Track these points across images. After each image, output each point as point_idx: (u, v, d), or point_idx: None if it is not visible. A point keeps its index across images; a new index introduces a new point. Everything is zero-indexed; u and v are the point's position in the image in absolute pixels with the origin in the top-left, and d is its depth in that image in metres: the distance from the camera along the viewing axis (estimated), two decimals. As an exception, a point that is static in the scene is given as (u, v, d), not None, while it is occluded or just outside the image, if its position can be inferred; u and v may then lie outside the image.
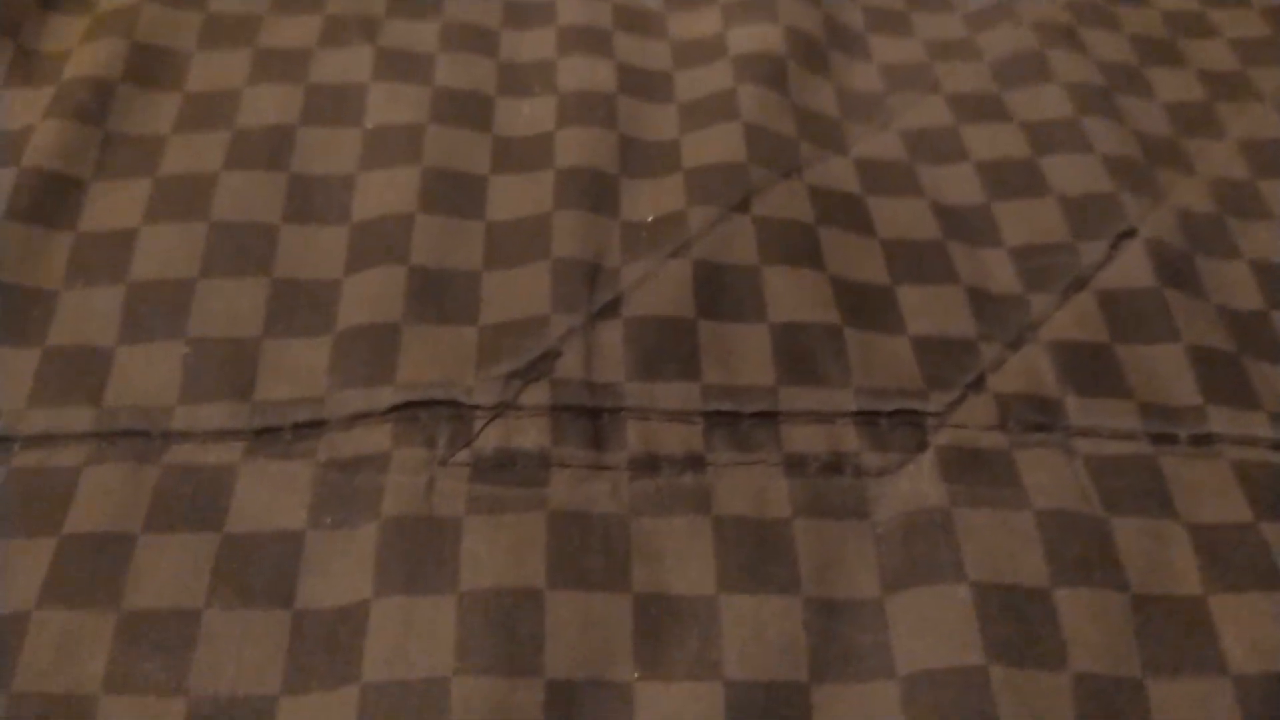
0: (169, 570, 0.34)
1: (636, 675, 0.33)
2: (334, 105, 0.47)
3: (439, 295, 0.41)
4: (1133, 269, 0.44)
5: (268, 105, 0.47)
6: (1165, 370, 0.41)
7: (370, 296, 0.40)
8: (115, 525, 0.35)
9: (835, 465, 0.38)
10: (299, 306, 0.41)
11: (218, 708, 0.32)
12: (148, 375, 0.39)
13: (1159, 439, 0.39)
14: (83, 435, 0.37)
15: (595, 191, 0.44)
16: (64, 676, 0.32)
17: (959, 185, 0.47)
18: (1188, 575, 0.35)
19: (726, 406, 0.38)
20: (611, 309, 0.40)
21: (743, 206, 0.44)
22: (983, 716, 0.32)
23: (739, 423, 0.38)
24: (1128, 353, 0.41)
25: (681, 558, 0.35)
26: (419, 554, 0.34)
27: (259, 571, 0.34)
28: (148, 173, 0.44)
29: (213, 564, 0.34)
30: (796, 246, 0.43)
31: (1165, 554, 0.36)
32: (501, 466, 0.37)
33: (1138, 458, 0.38)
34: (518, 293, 0.41)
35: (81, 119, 0.45)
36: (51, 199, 0.43)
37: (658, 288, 0.41)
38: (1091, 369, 0.41)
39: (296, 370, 0.39)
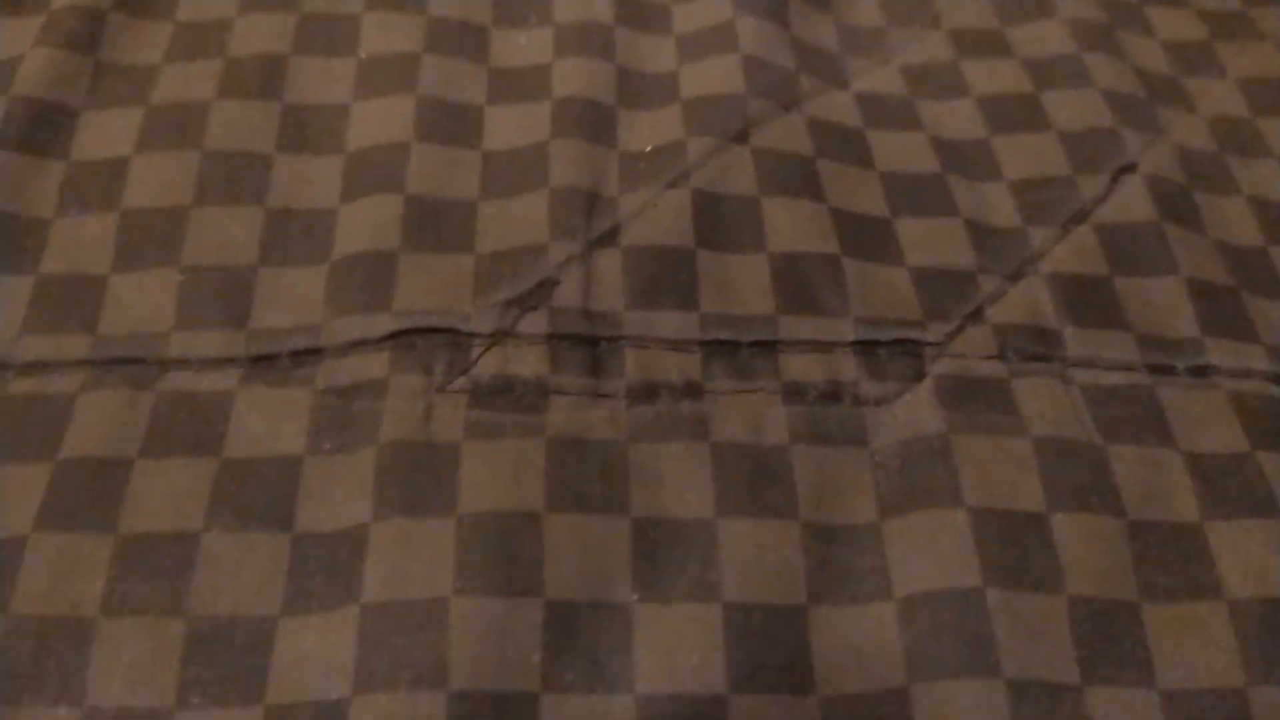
0: (167, 494, 0.34)
1: (636, 597, 0.33)
2: (327, 34, 0.47)
3: (436, 224, 0.40)
4: (1132, 203, 0.44)
5: (260, 34, 0.46)
6: (1164, 303, 0.41)
7: (366, 225, 0.40)
8: (112, 450, 0.35)
9: (833, 394, 0.37)
10: (294, 235, 0.40)
11: (217, 628, 0.32)
12: (142, 303, 0.38)
13: (1156, 370, 0.39)
14: (78, 362, 0.37)
15: (592, 121, 0.44)
16: (61, 599, 0.32)
17: (959, 120, 0.47)
18: (1184, 502, 0.35)
19: (725, 335, 0.38)
20: (610, 238, 0.40)
21: (741, 138, 0.43)
22: (979, 637, 0.32)
23: (738, 351, 0.38)
24: (1127, 285, 0.41)
25: (680, 483, 0.35)
26: (417, 478, 0.34)
27: (258, 495, 0.34)
28: (140, 101, 0.44)
29: (211, 488, 0.34)
30: (795, 178, 0.42)
31: (1162, 481, 0.36)
32: (499, 393, 0.36)
33: (1135, 388, 0.38)
34: (515, 221, 0.40)
35: (72, 47, 0.45)
36: (43, 127, 0.42)
37: (656, 217, 0.41)
38: (1090, 301, 0.41)
39: (293, 298, 0.39)
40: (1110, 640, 0.33)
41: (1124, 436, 0.37)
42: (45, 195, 0.41)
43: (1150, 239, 0.43)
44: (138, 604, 0.32)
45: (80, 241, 0.40)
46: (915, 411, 0.37)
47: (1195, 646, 0.33)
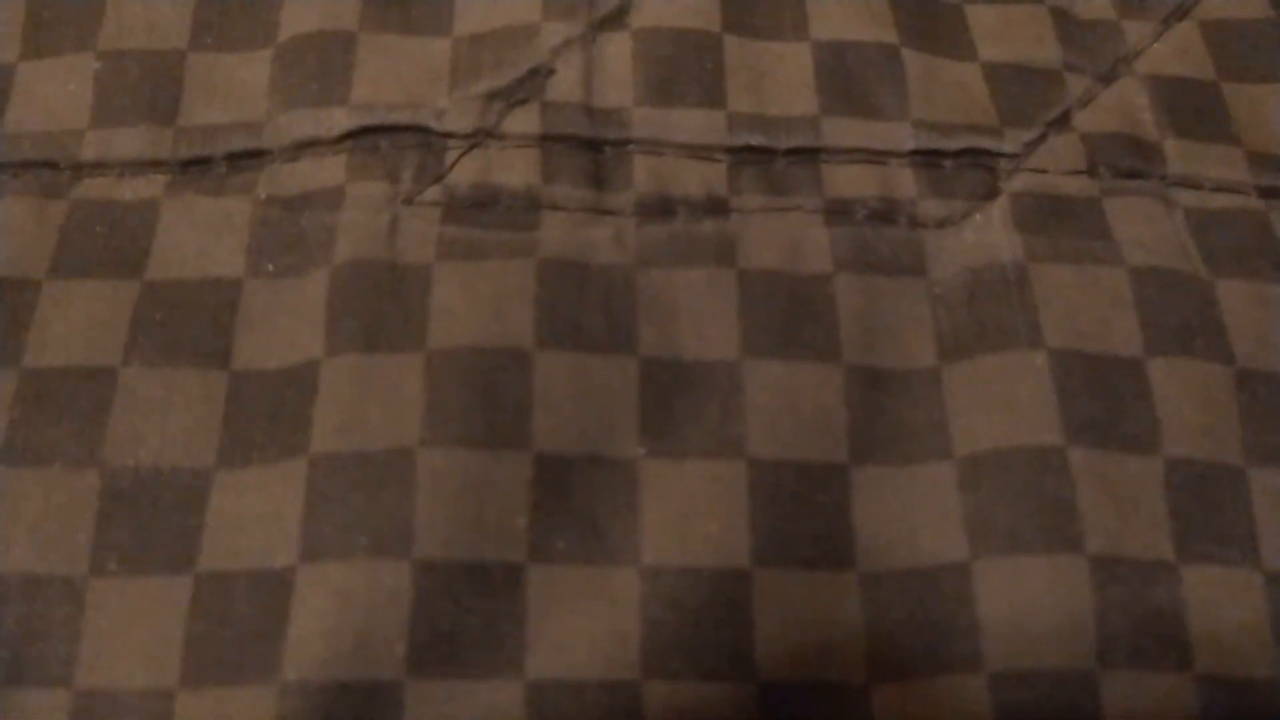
0: (79, 321, 0.29)
1: (643, 451, 0.28)
2: None
3: (403, -1, 0.34)
4: None
5: None
6: (1279, 115, 0.34)
7: (318, 0, 0.33)
8: (15, 270, 0.29)
9: (886, 213, 0.31)
10: (232, 12, 0.34)
11: (139, 481, 0.27)
12: (54, 96, 0.32)
13: (1270, 193, 0.33)
14: None
15: (597, -125, 0.36)
16: None
17: (1042, -112, 0.39)
18: (1302, 348, 0.30)
19: (757, 140, 0.32)
20: (617, 18, 0.33)
21: (779, -101, 0.36)
22: (1059, 504, 0.27)
23: (772, 160, 0.32)
24: (1236, 93, 0.35)
25: (698, 317, 0.29)
26: (379, 306, 0.29)
27: (188, 325, 0.29)
28: None
29: (131, 315, 0.29)
30: (845, -50, 0.35)
31: (1275, 323, 0.30)
32: (480, 206, 0.30)
33: (1246, 212, 0.32)
34: (501, -4, 0.34)
35: None
36: (-72, -119, 0.35)
37: (675, -7, 0.34)
38: (1194, 109, 0.34)
39: (230, 89, 0.32)
40: (1210, 511, 0.28)
41: (1232, 269, 0.31)
42: (-66, -35, 0.34)
43: (1264, 39, 0.36)
44: (43, 452, 0.27)
45: (-19, 24, 0.34)
46: (986, 235, 0.31)
47: (1307, 520, 0.27)
